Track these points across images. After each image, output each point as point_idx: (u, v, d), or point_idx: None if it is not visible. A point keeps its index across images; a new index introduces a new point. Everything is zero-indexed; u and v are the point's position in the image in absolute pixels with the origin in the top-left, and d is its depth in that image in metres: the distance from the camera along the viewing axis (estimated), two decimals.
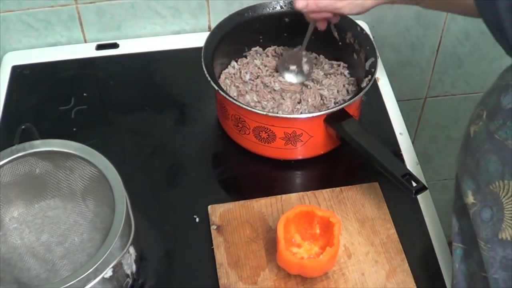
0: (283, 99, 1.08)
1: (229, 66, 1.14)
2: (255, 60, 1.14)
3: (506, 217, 0.67)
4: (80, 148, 0.89)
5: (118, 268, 0.83)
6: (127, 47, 1.26)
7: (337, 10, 0.95)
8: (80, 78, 1.21)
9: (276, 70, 1.12)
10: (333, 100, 1.09)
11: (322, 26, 1.03)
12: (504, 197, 0.67)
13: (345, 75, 1.13)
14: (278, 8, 1.13)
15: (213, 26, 1.21)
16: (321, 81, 1.11)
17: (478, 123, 0.72)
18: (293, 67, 1.10)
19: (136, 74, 1.22)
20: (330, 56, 1.16)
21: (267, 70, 1.13)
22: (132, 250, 0.86)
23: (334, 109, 0.98)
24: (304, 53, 1.10)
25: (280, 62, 1.13)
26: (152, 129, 1.12)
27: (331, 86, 1.11)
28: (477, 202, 0.72)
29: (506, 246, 0.68)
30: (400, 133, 1.12)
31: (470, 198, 0.73)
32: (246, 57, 1.16)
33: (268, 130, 1.00)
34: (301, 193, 1.01)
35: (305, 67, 1.11)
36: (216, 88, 1.00)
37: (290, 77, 1.11)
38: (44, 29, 1.26)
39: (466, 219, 0.76)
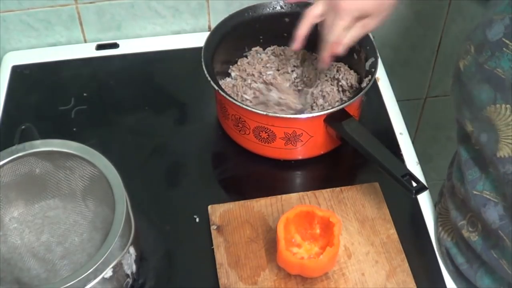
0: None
1: (228, 77, 1.14)
2: (255, 60, 1.14)
3: (501, 137, 0.75)
4: (80, 148, 0.89)
5: (118, 268, 0.83)
6: (127, 47, 1.26)
7: (370, 31, 0.97)
8: (80, 78, 1.21)
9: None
10: (333, 100, 1.09)
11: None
12: (496, 119, 0.75)
13: None
14: (278, 8, 1.12)
15: (213, 26, 1.21)
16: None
17: (467, 57, 0.79)
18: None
19: (136, 74, 1.22)
20: None
21: (267, 69, 1.13)
22: (132, 250, 0.86)
23: (334, 109, 0.98)
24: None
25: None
26: (152, 129, 1.12)
27: (331, 86, 1.11)
28: (475, 128, 0.80)
29: (504, 163, 0.75)
30: (400, 133, 1.12)
31: (469, 126, 0.81)
32: (246, 57, 1.16)
33: (268, 130, 1.00)
34: (301, 193, 1.01)
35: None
36: (216, 88, 1.00)
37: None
38: (44, 29, 1.26)
39: (471, 144, 0.84)
